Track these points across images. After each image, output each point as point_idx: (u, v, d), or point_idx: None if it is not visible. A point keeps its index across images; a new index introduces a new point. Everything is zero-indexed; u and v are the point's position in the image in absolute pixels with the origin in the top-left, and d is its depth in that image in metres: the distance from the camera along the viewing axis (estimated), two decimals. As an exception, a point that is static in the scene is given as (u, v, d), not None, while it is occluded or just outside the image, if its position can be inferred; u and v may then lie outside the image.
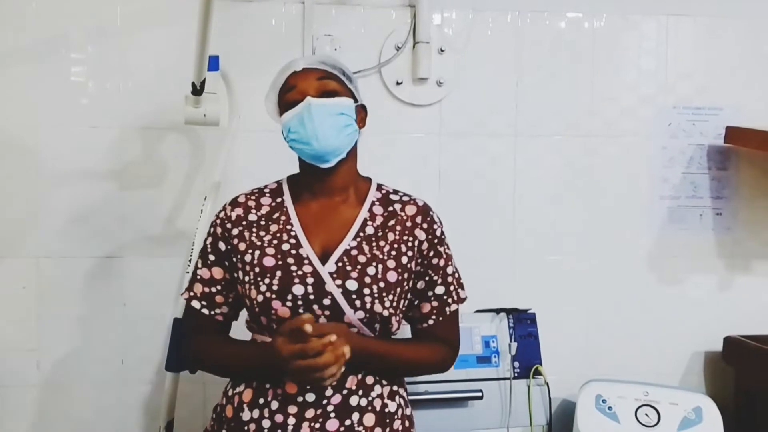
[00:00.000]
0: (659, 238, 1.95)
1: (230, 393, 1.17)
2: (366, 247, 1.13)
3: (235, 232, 1.16)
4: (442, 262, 1.20)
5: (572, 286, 1.93)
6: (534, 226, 1.92)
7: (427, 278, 1.19)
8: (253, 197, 1.21)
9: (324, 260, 1.11)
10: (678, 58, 1.95)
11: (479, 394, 1.65)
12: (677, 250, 1.96)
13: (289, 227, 1.15)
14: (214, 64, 1.51)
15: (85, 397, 1.78)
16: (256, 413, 1.10)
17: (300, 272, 1.09)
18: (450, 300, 1.21)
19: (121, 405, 1.79)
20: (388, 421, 1.13)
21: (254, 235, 1.15)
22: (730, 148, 1.96)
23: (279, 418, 1.08)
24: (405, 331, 1.23)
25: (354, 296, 1.09)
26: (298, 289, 1.08)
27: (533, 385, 1.70)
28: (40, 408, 1.77)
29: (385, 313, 1.11)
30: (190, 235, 1.59)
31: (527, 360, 1.72)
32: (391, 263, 1.13)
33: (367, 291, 1.09)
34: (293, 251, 1.12)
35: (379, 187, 1.24)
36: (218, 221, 1.19)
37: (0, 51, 1.73)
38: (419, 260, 1.18)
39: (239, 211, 1.18)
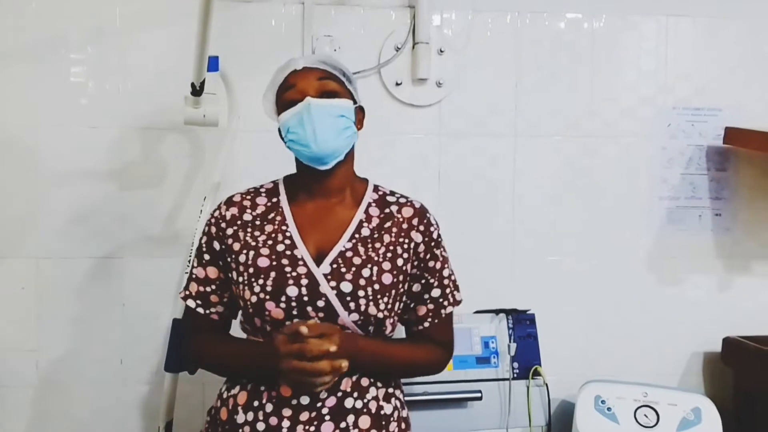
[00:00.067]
0: (658, 238, 1.95)
1: (225, 395, 1.16)
2: (361, 249, 1.13)
3: (229, 231, 1.16)
4: (438, 265, 1.20)
5: (572, 287, 1.93)
6: (533, 226, 1.92)
7: (423, 281, 1.19)
8: (248, 197, 1.20)
9: (319, 261, 1.11)
10: (677, 59, 1.95)
11: (478, 394, 1.65)
12: (676, 250, 1.96)
13: (284, 228, 1.14)
14: (213, 64, 1.51)
15: (84, 397, 1.78)
16: (250, 416, 1.09)
17: (294, 273, 1.09)
18: (446, 303, 1.21)
19: (120, 405, 1.79)
20: (383, 423, 1.12)
21: (249, 235, 1.14)
22: (729, 149, 1.96)
23: (273, 420, 1.07)
24: (398, 331, 1.23)
25: (348, 298, 1.08)
26: (292, 291, 1.08)
27: (532, 385, 1.71)
28: (39, 408, 1.77)
29: (380, 315, 1.11)
30: (190, 236, 1.59)
31: (526, 360, 1.72)
32: (386, 265, 1.12)
33: (361, 293, 1.09)
34: (288, 252, 1.11)
35: (376, 189, 1.23)
36: (213, 220, 1.19)
37: (0, 51, 1.73)
38: (415, 263, 1.18)
39: (234, 210, 1.18)
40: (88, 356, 1.78)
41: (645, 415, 1.63)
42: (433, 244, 1.19)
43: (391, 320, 1.16)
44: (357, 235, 1.14)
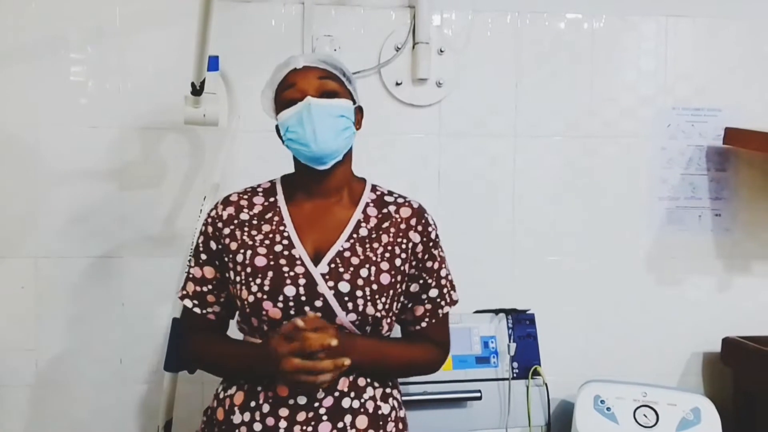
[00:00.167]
0: (658, 238, 1.95)
1: (221, 395, 1.16)
2: (359, 249, 1.12)
3: (226, 231, 1.15)
4: (436, 265, 1.20)
5: (571, 287, 1.93)
6: (533, 226, 1.92)
7: (421, 281, 1.19)
8: (245, 196, 1.20)
9: (316, 261, 1.10)
10: (677, 59, 1.95)
11: (478, 394, 1.65)
12: (676, 251, 1.96)
13: (282, 228, 1.14)
14: (213, 64, 1.51)
15: (83, 396, 1.78)
16: (247, 416, 1.09)
17: (292, 273, 1.09)
18: (443, 303, 1.21)
19: (120, 405, 1.79)
20: (381, 423, 1.12)
21: (246, 234, 1.14)
22: (729, 150, 1.96)
23: (270, 421, 1.07)
24: (394, 331, 1.23)
25: (346, 298, 1.08)
26: (289, 290, 1.07)
27: (532, 385, 1.71)
28: (38, 407, 1.77)
29: (378, 315, 1.10)
30: (190, 235, 1.59)
31: (526, 360, 1.72)
32: (384, 265, 1.12)
33: (359, 293, 1.08)
34: (286, 252, 1.11)
35: (374, 188, 1.23)
36: (209, 220, 1.18)
37: (0, 51, 1.73)
38: (413, 263, 1.17)
39: (231, 210, 1.17)
40: (88, 356, 1.78)
41: (644, 415, 1.63)
42: (431, 244, 1.19)
43: (389, 320, 1.16)
44: (355, 235, 1.14)
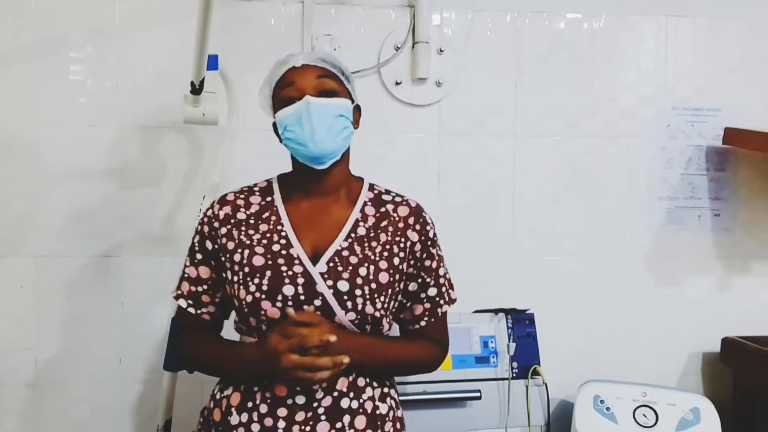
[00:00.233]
0: (658, 238, 1.95)
1: (218, 396, 1.15)
2: (358, 248, 1.12)
3: (223, 231, 1.15)
4: (434, 264, 1.20)
5: (571, 287, 1.93)
6: (533, 226, 1.92)
7: (419, 280, 1.19)
8: (242, 195, 1.19)
9: (314, 261, 1.10)
10: (677, 59, 1.95)
11: (477, 394, 1.65)
12: (676, 251, 1.96)
13: (279, 227, 1.13)
14: (213, 63, 1.51)
15: (82, 396, 1.78)
16: (244, 417, 1.08)
17: (290, 272, 1.08)
18: (442, 301, 1.21)
19: (119, 404, 1.79)
20: (379, 423, 1.12)
21: (243, 234, 1.13)
22: (728, 150, 1.96)
23: (268, 421, 1.06)
24: (393, 330, 1.22)
25: (345, 297, 1.08)
26: (288, 290, 1.07)
27: (531, 385, 1.70)
28: (37, 407, 1.77)
29: (377, 314, 1.10)
30: (189, 235, 1.57)
31: (526, 360, 1.72)
32: (383, 264, 1.12)
33: (358, 292, 1.08)
34: (283, 251, 1.10)
35: (372, 188, 1.22)
36: (206, 219, 1.17)
37: (0, 51, 1.73)
38: (411, 262, 1.17)
39: (227, 209, 1.16)
40: (87, 355, 1.78)
41: (644, 415, 1.63)
42: (429, 243, 1.19)
43: (388, 319, 1.16)
44: (353, 234, 1.14)
